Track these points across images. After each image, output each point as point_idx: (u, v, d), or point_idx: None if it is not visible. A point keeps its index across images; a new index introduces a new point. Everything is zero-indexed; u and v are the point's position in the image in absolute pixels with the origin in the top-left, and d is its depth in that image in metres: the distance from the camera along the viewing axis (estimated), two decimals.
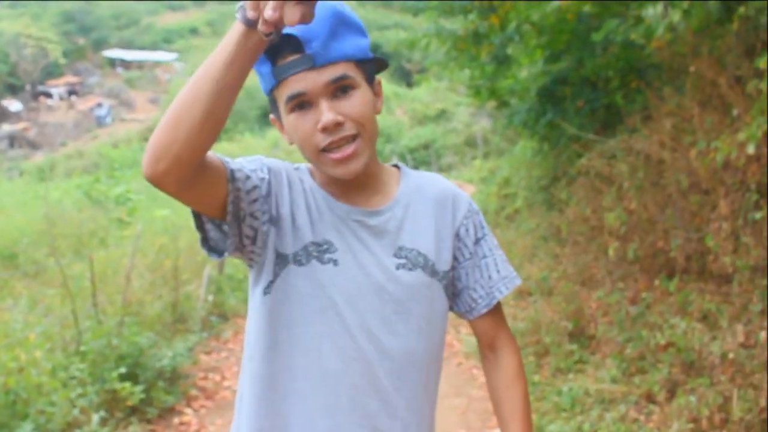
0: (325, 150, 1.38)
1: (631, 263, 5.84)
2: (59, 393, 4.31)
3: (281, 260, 1.44)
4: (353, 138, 1.38)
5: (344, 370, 1.43)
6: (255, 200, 1.37)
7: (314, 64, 1.33)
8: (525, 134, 10.73)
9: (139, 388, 4.91)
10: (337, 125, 1.35)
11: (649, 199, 5.63)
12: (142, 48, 68.56)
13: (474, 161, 21.47)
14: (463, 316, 1.61)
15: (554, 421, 4.76)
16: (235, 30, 1.14)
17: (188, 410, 5.41)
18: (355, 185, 1.48)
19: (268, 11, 1.05)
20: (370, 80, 1.45)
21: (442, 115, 32.62)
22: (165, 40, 72.43)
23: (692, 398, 4.00)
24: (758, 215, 4.27)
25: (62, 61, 60.61)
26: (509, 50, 9.18)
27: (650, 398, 4.54)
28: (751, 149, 4.07)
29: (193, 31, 75.45)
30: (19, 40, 56.99)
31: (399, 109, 39.00)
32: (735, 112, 4.57)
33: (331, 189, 1.49)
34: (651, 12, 6.84)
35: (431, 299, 1.51)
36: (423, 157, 29.08)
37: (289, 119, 1.40)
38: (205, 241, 1.41)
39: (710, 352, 4.15)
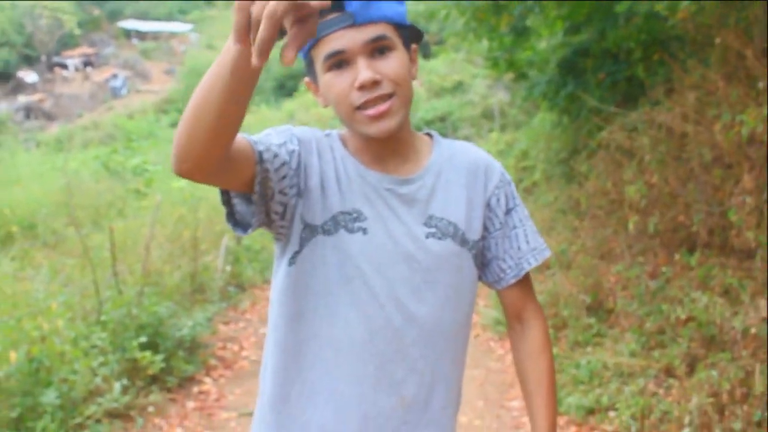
0: (360, 108, 1.37)
1: (651, 237, 5.80)
2: (81, 361, 4.35)
3: (309, 231, 1.44)
4: (389, 97, 1.37)
5: (371, 338, 1.43)
6: (284, 177, 1.36)
7: (354, 21, 1.33)
8: (544, 106, 10.64)
9: (159, 357, 4.95)
10: (375, 83, 1.35)
11: (671, 172, 5.58)
12: (157, 19, 68.38)
13: (491, 134, 21.34)
14: (491, 286, 1.61)
15: (572, 393, 4.77)
16: (227, 45, 1.11)
17: (207, 379, 5.46)
18: (387, 151, 1.47)
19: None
20: (407, 45, 1.44)
21: (458, 87, 32.38)
22: (180, 11, 72.21)
23: (713, 372, 3.98)
24: None
25: (77, 32, 60.53)
26: (528, 21, 9.07)
27: (670, 372, 4.53)
28: None
29: (208, 2, 75.17)
30: (34, 11, 56.97)
31: (416, 81, 38.81)
32: (761, 84, 4.50)
33: (362, 156, 1.48)
34: None
35: (460, 268, 1.50)
36: (439, 129, 28.91)
37: (326, 78, 1.39)
38: (231, 216, 1.40)
39: (732, 327, 4.12)
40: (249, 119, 32.80)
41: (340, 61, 1.36)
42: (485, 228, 1.56)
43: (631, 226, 5.75)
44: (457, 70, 33.26)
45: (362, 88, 1.35)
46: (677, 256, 5.31)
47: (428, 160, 1.52)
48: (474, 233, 1.52)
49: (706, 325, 4.38)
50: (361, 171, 1.46)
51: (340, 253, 1.43)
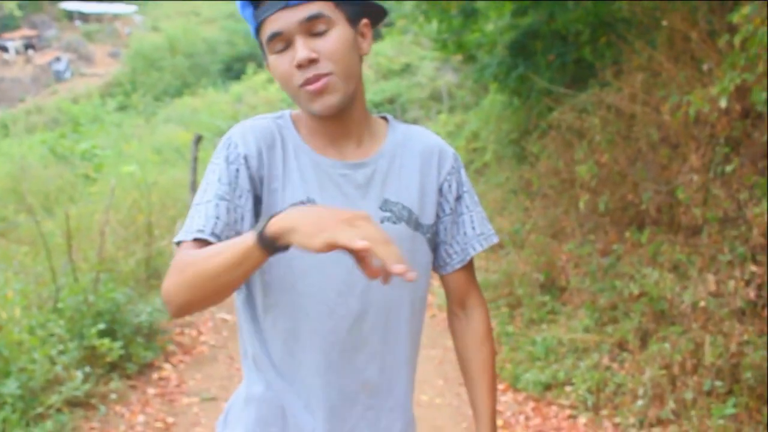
0: (302, 86, 1.40)
1: (601, 216, 5.94)
2: (39, 350, 4.30)
3: None
4: (327, 75, 1.39)
5: (332, 327, 1.45)
6: (242, 218, 1.41)
7: (289, 2, 1.37)
8: (495, 88, 10.75)
9: (117, 344, 4.93)
10: (311, 62, 1.37)
11: (620, 152, 5.71)
12: (100, 0, 66.89)
13: (439, 115, 21.43)
14: (437, 270, 1.63)
15: (529, 370, 4.89)
16: (247, 245, 1.20)
17: (167, 365, 5.45)
18: (339, 133, 1.49)
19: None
20: (353, 21, 1.45)
21: (406, 69, 32.38)
22: None
23: (665, 345, 4.13)
24: (728, 168, 4.35)
25: (18, 13, 58.89)
26: (478, 4, 9.16)
27: (623, 346, 4.68)
28: (723, 103, 4.14)
29: None
30: None
31: (363, 63, 38.74)
32: (706, 66, 4.63)
33: (316, 140, 1.49)
34: None
35: (414, 252, 1.52)
36: (388, 111, 28.89)
37: (270, 60, 1.43)
38: None
39: (681, 301, 4.27)
40: (196, 102, 32.40)
41: (281, 44, 1.39)
42: (436, 214, 1.57)
43: (582, 205, 5.89)
44: (404, 53, 33.23)
45: (300, 66, 1.38)
46: (627, 234, 5.46)
47: (383, 144, 1.54)
48: (428, 218, 1.54)
49: (657, 300, 4.53)
50: (314, 157, 1.47)
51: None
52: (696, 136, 4.79)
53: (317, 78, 1.38)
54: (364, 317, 1.47)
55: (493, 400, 1.62)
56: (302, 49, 1.37)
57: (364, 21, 1.48)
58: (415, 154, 1.55)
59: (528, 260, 6.54)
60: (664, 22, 5.18)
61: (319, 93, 1.39)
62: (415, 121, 26.86)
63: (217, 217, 1.37)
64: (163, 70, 43.41)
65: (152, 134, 20.09)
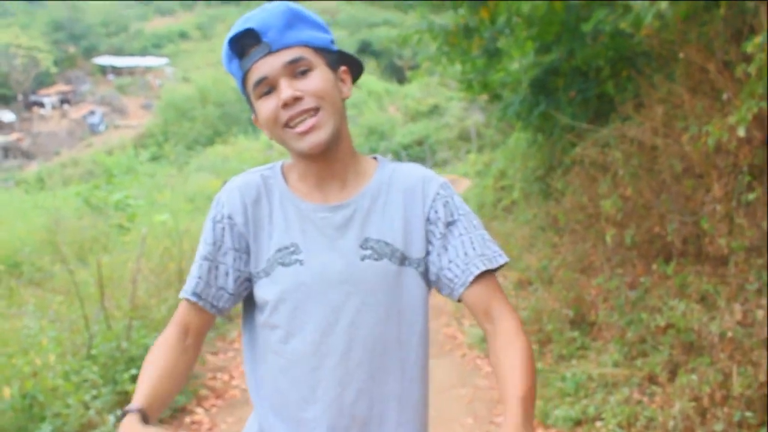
0: (288, 126, 1.48)
1: (628, 249, 5.93)
2: (73, 396, 4.40)
3: (255, 277, 1.56)
4: (314, 111, 1.47)
5: (319, 364, 1.51)
6: (226, 273, 1.57)
7: (271, 49, 1.47)
8: (519, 126, 10.81)
9: None
10: (296, 99, 1.46)
11: (644, 185, 5.72)
12: (132, 54, 68.51)
13: (468, 155, 21.56)
14: (449, 297, 1.59)
15: (559, 406, 4.86)
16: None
17: (199, 409, 5.49)
18: (326, 174, 1.56)
19: None
20: (333, 67, 1.55)
21: (434, 111, 32.69)
22: (155, 45, 72.42)
23: (693, 377, 4.09)
24: (751, 196, 4.35)
25: (53, 70, 60.52)
26: (500, 43, 9.24)
27: (652, 380, 4.64)
28: (741, 132, 4.15)
29: (183, 35, 75.48)
30: (8, 50, 56.90)
31: (392, 106, 39.07)
32: (725, 96, 4.65)
33: (303, 185, 1.58)
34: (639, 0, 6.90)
35: (401, 287, 1.54)
36: (417, 153, 29.16)
37: (257, 105, 1.52)
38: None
39: (709, 332, 4.24)
40: (227, 150, 32.85)
41: (267, 88, 1.49)
42: (429, 242, 1.57)
43: (608, 239, 5.88)
44: (432, 94, 33.55)
45: (285, 105, 1.46)
46: (654, 266, 5.44)
47: (367, 184, 1.59)
48: (417, 251, 1.56)
49: (685, 332, 4.50)
50: (297, 204, 1.56)
51: (278, 289, 1.52)
52: (718, 165, 4.79)
53: (304, 113, 1.47)
54: (348, 354, 1.51)
55: (527, 390, 1.37)
56: (286, 88, 1.46)
57: (343, 68, 1.58)
58: (399, 191, 1.59)
59: (557, 296, 6.52)
60: (681, 55, 5.22)
61: (307, 131, 1.47)
62: (444, 162, 27.00)
63: (199, 277, 1.55)
64: (194, 120, 44.15)
65: (185, 183, 20.39)
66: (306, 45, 1.49)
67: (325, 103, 1.48)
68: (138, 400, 1.39)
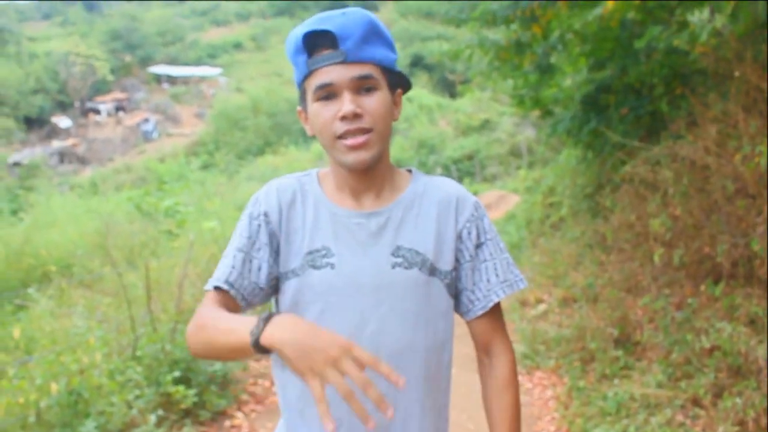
0: (341, 137, 1.49)
1: (676, 269, 5.83)
2: (117, 395, 4.48)
3: (284, 277, 1.58)
4: (368, 131, 1.49)
5: None
6: (259, 268, 1.56)
7: (345, 59, 1.47)
8: (569, 143, 10.72)
9: (192, 391, 5.06)
10: (356, 116, 1.47)
11: (695, 204, 5.63)
12: (187, 64, 69.71)
13: (519, 171, 21.45)
14: (462, 316, 1.66)
15: (599, 425, 4.80)
16: (243, 342, 1.29)
17: (239, 414, 5.54)
18: (362, 186, 1.59)
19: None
20: (392, 89, 1.57)
21: (485, 126, 32.62)
22: (209, 55, 73.60)
23: (738, 401, 4.01)
24: None
25: (110, 77, 61.91)
26: (552, 59, 9.20)
27: (696, 402, 4.55)
28: None
29: (237, 46, 76.56)
30: (68, 58, 58.40)
31: (443, 120, 39.06)
32: None
33: (338, 193, 1.60)
34: (697, 17, 6.83)
35: (428, 296, 1.57)
36: (467, 167, 29.10)
37: (314, 107, 1.52)
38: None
39: (756, 356, 4.15)
40: (277, 160, 33.17)
41: (328, 93, 1.49)
42: (457, 259, 1.61)
43: (656, 258, 5.80)
44: (483, 109, 33.46)
45: (344, 118, 1.48)
46: (702, 287, 5.34)
47: (401, 194, 1.61)
48: (446, 264, 1.59)
49: (732, 355, 4.41)
50: (331, 209, 1.58)
51: (309, 290, 1.54)
52: None
53: (359, 131, 1.48)
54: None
55: None
56: (349, 103, 1.47)
57: (399, 90, 1.60)
58: (434, 203, 1.61)
59: (602, 315, 6.44)
60: (737, 73, 5.14)
61: (357, 148, 1.49)
62: (494, 177, 26.91)
63: (233, 267, 1.54)
64: (246, 130, 44.67)
65: (234, 192, 20.61)
66: (377, 64, 1.51)
67: (379, 125, 1.51)
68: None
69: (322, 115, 1.50)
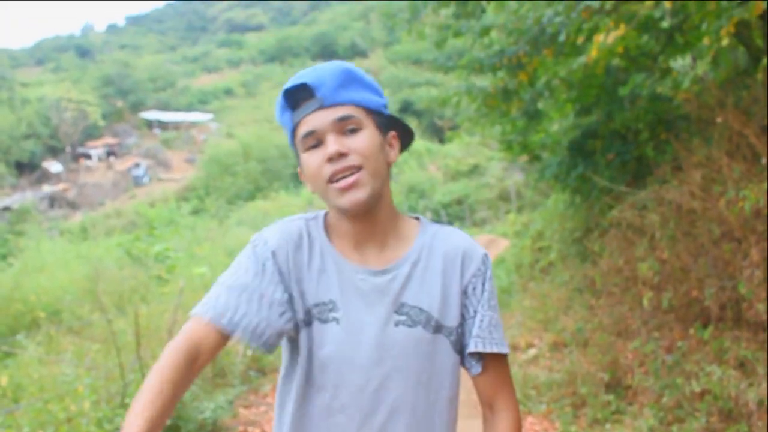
0: (331, 181, 1.49)
1: (665, 313, 5.86)
2: None
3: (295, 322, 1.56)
4: (356, 169, 1.48)
5: (346, 422, 1.52)
6: (269, 305, 1.50)
7: (323, 104, 1.49)
8: (557, 187, 10.81)
9: None
10: (341, 155, 1.47)
11: (682, 248, 5.68)
12: (178, 109, 70.15)
13: (508, 215, 21.55)
14: (467, 371, 1.63)
15: None
16: None
17: None
18: (365, 236, 1.57)
19: None
20: (382, 130, 1.56)
21: (474, 170, 32.83)
22: (200, 101, 74.13)
23: None
24: None
25: (101, 123, 62.17)
26: (539, 105, 9.32)
27: None
28: None
29: (228, 92, 77.16)
30: (60, 104, 58.66)
31: (432, 165, 39.30)
32: (763, 160, 4.65)
33: (343, 242, 1.58)
34: (679, 63, 6.96)
35: (433, 354, 1.55)
36: (457, 212, 29.23)
37: (303, 157, 1.53)
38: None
39: (747, 399, 4.16)
40: (267, 206, 33.19)
41: (315, 141, 1.51)
42: (462, 315, 1.58)
43: (645, 302, 5.83)
44: (472, 154, 33.69)
45: (330, 160, 1.48)
46: (692, 331, 5.36)
47: (408, 249, 1.59)
48: (451, 320, 1.56)
49: (722, 399, 4.42)
50: (338, 261, 1.56)
51: (314, 343, 1.53)
52: (756, 230, 4.75)
53: (346, 170, 1.48)
54: (374, 414, 1.52)
55: None
56: (333, 143, 1.48)
57: (392, 132, 1.60)
58: (439, 257, 1.59)
59: (592, 359, 6.44)
60: (719, 119, 5.23)
61: (349, 188, 1.48)
62: (483, 221, 27.03)
63: (236, 306, 1.48)
64: (236, 175, 44.74)
65: (224, 237, 20.61)
66: (358, 105, 1.51)
67: (369, 163, 1.49)
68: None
69: (311, 162, 1.51)
